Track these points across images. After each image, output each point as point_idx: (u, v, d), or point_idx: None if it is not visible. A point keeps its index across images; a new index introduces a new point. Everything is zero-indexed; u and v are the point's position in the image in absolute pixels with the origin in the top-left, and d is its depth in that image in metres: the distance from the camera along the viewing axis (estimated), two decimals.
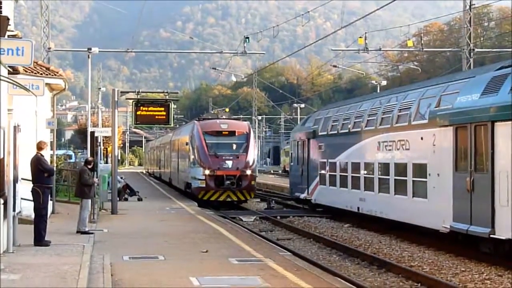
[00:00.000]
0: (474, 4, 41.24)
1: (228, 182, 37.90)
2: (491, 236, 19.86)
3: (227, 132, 40.30)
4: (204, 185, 38.13)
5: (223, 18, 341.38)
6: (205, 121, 42.89)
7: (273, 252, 20.18)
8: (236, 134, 40.56)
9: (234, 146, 40.15)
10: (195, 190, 39.34)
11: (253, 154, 40.56)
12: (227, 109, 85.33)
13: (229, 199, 38.62)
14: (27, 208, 22.45)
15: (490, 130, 19.99)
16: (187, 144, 43.71)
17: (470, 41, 39.56)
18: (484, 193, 20.28)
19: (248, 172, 38.94)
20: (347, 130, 32.55)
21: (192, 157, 40.85)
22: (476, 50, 41.21)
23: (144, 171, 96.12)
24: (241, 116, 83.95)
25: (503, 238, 19.30)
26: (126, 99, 43.26)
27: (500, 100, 19.71)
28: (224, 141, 40.33)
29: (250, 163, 39.78)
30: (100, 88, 70.73)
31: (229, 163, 38.49)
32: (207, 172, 38.01)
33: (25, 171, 22.23)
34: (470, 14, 39.89)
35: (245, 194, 39.10)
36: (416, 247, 24.24)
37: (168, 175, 61.78)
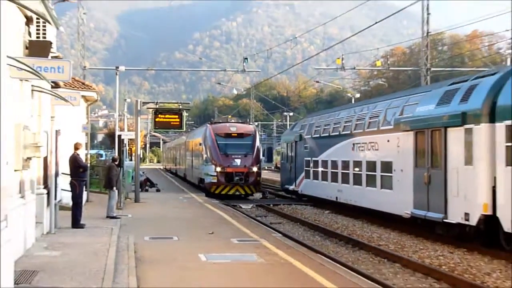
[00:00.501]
0: (430, 32, 41.30)
1: (237, 178, 36.56)
2: (444, 220, 19.96)
3: (235, 134, 38.78)
4: (215, 181, 36.59)
5: (227, 42, 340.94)
6: (216, 124, 41.37)
7: (267, 233, 20.26)
8: (244, 135, 38.98)
9: (242, 146, 38.33)
10: (208, 184, 37.75)
11: (258, 153, 39.25)
12: (230, 116, 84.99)
13: (237, 193, 37.01)
14: (66, 197, 22.52)
15: (444, 134, 20.10)
16: (200, 144, 42.14)
17: (427, 62, 39.58)
18: (438, 185, 20.38)
19: (255, 169, 37.49)
20: (327, 134, 32.61)
21: (205, 156, 39.30)
22: (432, 69, 41.24)
23: (161, 167, 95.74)
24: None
25: (454, 222, 19.42)
26: (147, 108, 43.04)
27: (451, 110, 19.82)
28: (233, 142, 38.46)
29: (256, 161, 38.30)
30: (125, 99, 70.60)
31: (238, 161, 37.05)
32: (218, 169, 36.64)
33: (65, 167, 22.32)
34: (427, 40, 39.93)
35: (251, 188, 37.49)
36: (384, 229, 24.25)
37: (183, 171, 59.61)
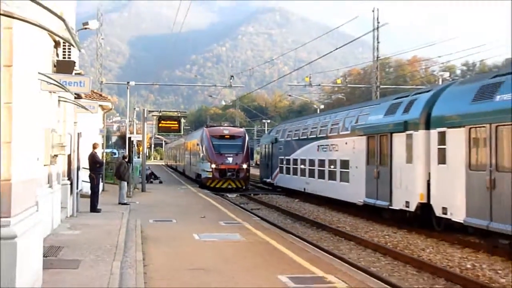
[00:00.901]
0: (380, 57, 41.57)
1: (229, 173, 35.12)
2: (389, 207, 20.15)
3: (228, 136, 37.21)
4: (211, 176, 35.26)
5: (217, 63, 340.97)
6: (211, 128, 39.89)
7: (248, 217, 20.34)
8: (235, 137, 37.38)
9: (234, 146, 36.72)
10: (204, 179, 36.18)
11: (248, 153, 37.45)
12: (222, 122, 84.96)
13: (229, 186, 35.41)
14: (86, 187, 22.48)
15: (390, 139, 20.26)
16: (197, 145, 40.67)
17: (377, 81, 39.80)
18: (385, 179, 20.54)
19: (244, 166, 35.97)
20: (297, 138, 32.72)
21: (202, 154, 37.77)
22: (380, 86, 41.44)
23: (164, 164, 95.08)
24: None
25: (397, 208, 19.61)
26: (152, 115, 42.95)
27: (396, 119, 19.98)
28: (226, 143, 36.83)
29: (246, 159, 36.72)
30: (135, 108, 69.90)
31: (230, 159, 35.52)
32: (213, 166, 35.22)
33: (85, 163, 22.29)
34: (377, 63, 40.19)
35: (242, 183, 35.92)
36: (342, 214, 24.39)
37: (182, 167, 58.04)
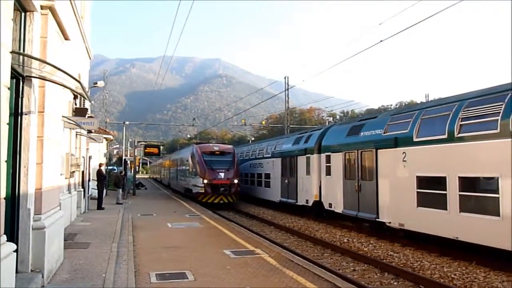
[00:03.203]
0: (290, 107, 42.39)
1: (222, 189, 25.05)
2: (296, 203, 20.19)
3: (218, 152, 26.92)
4: (203, 191, 25.13)
5: (184, 110, 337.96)
6: (201, 144, 28.98)
7: (205, 211, 20.06)
8: (225, 153, 26.95)
9: (225, 162, 26.30)
10: (196, 194, 25.82)
11: (238, 168, 26.84)
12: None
13: (221, 202, 25.28)
14: (94, 193, 21.61)
15: (296, 159, 20.53)
16: (187, 161, 29.34)
17: (288, 122, 40.46)
18: (293, 185, 20.50)
19: (235, 181, 25.62)
20: (241, 158, 31.15)
21: (193, 170, 27.09)
22: (290, 126, 42.07)
23: (149, 177, 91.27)
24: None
25: (300, 204, 19.73)
26: (140, 144, 42.36)
27: (300, 147, 20.17)
28: (217, 158, 26.50)
29: (236, 174, 26.12)
30: (129, 140, 68.87)
31: (222, 175, 25.49)
32: (205, 181, 25.22)
33: (94, 176, 21.55)
34: (287, 111, 40.96)
35: (233, 197, 25.72)
36: (266, 209, 24.19)
37: (167, 180, 45.04)
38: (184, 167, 30.91)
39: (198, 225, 15.05)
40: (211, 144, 28.85)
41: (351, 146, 15.53)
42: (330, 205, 17.12)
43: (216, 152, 26.61)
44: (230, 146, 28.52)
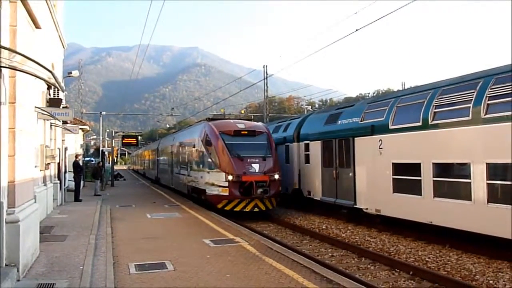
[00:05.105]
0: (269, 96, 42.43)
1: (260, 190, 15.33)
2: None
3: (246, 132, 16.89)
4: (226, 193, 15.40)
5: (163, 99, 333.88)
6: (218, 121, 17.96)
7: (185, 201, 19.96)
8: (256, 133, 16.95)
9: (258, 147, 16.56)
10: (214, 198, 15.93)
11: (277, 156, 16.98)
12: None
13: (256, 209, 15.52)
14: (71, 184, 21.25)
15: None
16: (193, 146, 19.00)
17: (267, 111, 40.51)
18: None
19: (277, 176, 15.92)
20: None
21: (207, 160, 16.75)
22: (269, 115, 42.11)
23: (127, 168, 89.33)
24: None
25: (282, 192, 19.87)
26: (118, 134, 41.76)
27: (279, 136, 19.76)
28: (246, 142, 16.53)
29: (278, 166, 16.48)
30: (106, 130, 67.65)
31: (256, 167, 15.79)
32: (230, 177, 15.39)
33: (70, 168, 21.19)
34: (267, 100, 41.01)
35: (272, 202, 15.91)
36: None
37: (154, 173, 34.31)
38: (187, 156, 20.61)
39: (177, 215, 14.98)
40: (232, 121, 18.04)
41: (329, 134, 15.65)
42: (309, 192, 17.27)
43: (243, 132, 16.79)
44: (261, 124, 18.51)
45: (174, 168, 24.32)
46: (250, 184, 15.28)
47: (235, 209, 15.42)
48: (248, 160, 15.74)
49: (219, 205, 15.62)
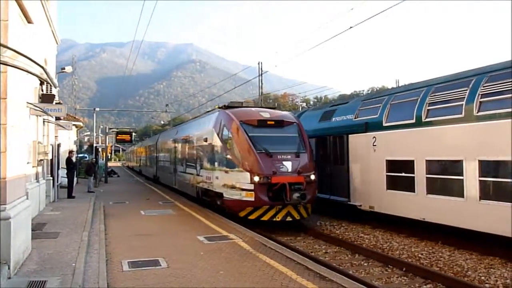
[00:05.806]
0: (263, 93, 42.39)
1: (296, 193, 11.62)
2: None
3: (272, 122, 13.05)
4: (252, 198, 11.74)
5: (157, 95, 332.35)
6: (237, 109, 13.89)
7: (178, 198, 19.92)
8: (284, 123, 13.19)
9: (289, 141, 12.81)
10: (233, 204, 12.47)
11: (312, 152, 13.26)
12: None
13: (289, 218, 12.04)
14: (64, 181, 21.14)
15: None
16: (205, 140, 15.09)
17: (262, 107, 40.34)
18: None
19: (313, 177, 12.33)
20: None
21: (227, 157, 12.87)
22: None
23: (121, 165, 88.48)
24: None
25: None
26: (112, 131, 41.56)
27: None
28: (273, 134, 12.75)
29: (312, 164, 12.69)
30: (100, 126, 67.32)
31: (288, 165, 11.96)
32: (256, 178, 11.68)
33: (63, 164, 21.06)
34: (261, 97, 40.99)
35: (308, 210, 12.44)
36: None
37: (152, 171, 30.98)
38: (196, 152, 16.94)
39: (171, 212, 14.94)
40: (254, 109, 14.52)
41: (323, 131, 15.66)
42: None
43: (269, 122, 13.32)
44: (289, 113, 15.12)
45: (178, 166, 20.65)
46: (282, 187, 11.82)
47: (261, 218, 12.13)
48: (278, 157, 12.29)
49: (242, 213, 12.33)
